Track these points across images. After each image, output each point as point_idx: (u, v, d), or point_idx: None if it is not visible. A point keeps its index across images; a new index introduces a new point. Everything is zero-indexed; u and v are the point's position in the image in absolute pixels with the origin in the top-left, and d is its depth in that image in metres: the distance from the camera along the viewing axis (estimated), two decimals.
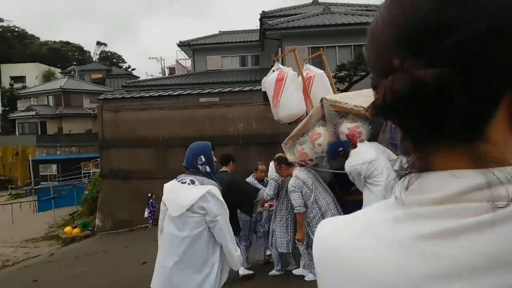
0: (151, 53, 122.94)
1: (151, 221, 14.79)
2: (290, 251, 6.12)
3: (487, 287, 0.48)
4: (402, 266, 0.53)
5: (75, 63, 70.78)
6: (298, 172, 5.59)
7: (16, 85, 55.28)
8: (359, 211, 0.67)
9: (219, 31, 30.94)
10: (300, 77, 6.64)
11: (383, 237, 0.57)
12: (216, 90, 16.24)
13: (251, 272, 6.36)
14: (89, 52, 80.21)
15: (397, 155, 4.92)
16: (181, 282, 3.26)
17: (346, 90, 15.07)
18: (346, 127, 5.17)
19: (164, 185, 3.53)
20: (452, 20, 0.52)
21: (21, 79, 57.15)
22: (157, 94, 16.65)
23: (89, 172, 29.13)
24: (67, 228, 18.46)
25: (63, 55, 72.02)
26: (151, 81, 29.03)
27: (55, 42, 74.88)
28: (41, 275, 10.78)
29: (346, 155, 4.88)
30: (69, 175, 30.56)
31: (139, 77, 52.81)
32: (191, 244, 3.24)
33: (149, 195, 14.62)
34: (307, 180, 5.49)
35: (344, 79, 15.78)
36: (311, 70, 7.07)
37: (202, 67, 27.81)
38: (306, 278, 5.77)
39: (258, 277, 6.31)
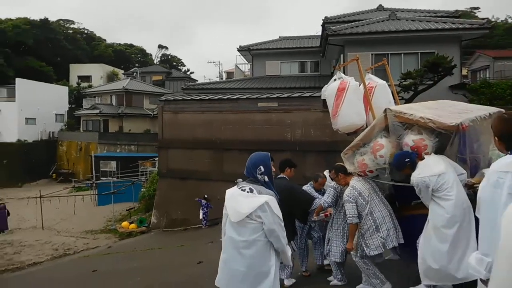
0: (209, 57, 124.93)
1: (204, 222, 14.99)
2: (344, 260, 6.01)
3: None
4: None
5: (137, 65, 73.53)
6: (354, 182, 5.46)
7: (83, 84, 58.38)
8: None
9: (279, 37, 31.04)
10: (361, 86, 6.54)
11: None
12: (275, 95, 16.21)
13: (293, 280, 6.26)
14: (151, 55, 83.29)
15: (465, 169, 4.72)
16: (242, 281, 3.42)
17: (411, 99, 14.63)
18: (411, 139, 4.99)
19: (226, 190, 3.70)
20: None
21: (87, 78, 60.31)
22: (216, 97, 16.88)
23: (146, 171, 30.09)
24: (124, 223, 19.18)
25: (126, 57, 75.08)
26: (210, 84, 29.57)
27: (119, 44, 78.18)
28: (100, 266, 11.26)
29: (412, 167, 4.72)
30: (128, 172, 31.75)
31: (197, 80, 54.04)
32: (249, 247, 3.42)
33: (205, 196, 14.81)
34: (363, 191, 5.36)
35: (409, 88, 15.30)
36: (373, 80, 6.94)
37: (260, 72, 28.05)
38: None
39: (318, 285, 6.20)
